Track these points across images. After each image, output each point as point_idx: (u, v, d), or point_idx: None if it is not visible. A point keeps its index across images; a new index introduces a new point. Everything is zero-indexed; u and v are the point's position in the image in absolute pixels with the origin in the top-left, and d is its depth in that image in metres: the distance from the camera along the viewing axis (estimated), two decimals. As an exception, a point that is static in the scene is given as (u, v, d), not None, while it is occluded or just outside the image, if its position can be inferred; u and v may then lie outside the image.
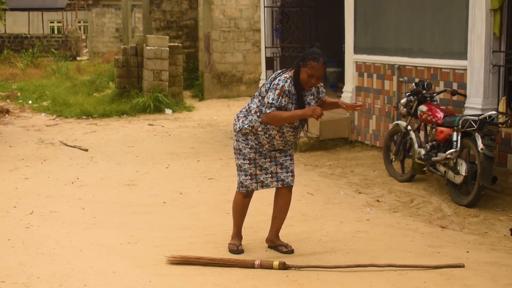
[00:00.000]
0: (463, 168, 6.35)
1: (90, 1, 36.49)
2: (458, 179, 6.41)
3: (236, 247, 5.06)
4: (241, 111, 4.96)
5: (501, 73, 6.89)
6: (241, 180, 4.97)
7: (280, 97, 4.69)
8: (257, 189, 4.99)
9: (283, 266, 4.61)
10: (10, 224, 5.90)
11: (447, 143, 6.66)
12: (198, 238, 5.48)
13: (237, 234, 5.19)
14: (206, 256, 4.81)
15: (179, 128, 12.10)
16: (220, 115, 13.90)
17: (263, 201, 6.69)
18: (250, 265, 4.66)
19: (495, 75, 6.87)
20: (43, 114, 14.04)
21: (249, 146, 4.90)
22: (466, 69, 7.13)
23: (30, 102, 15.80)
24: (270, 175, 4.94)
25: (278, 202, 5.06)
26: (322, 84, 5.06)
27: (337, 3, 10.19)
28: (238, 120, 4.93)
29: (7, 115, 13.56)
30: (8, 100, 16.26)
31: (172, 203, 6.74)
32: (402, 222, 5.93)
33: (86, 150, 9.76)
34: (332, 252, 5.04)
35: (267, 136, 4.84)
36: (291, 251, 5.00)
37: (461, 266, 4.62)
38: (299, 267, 4.62)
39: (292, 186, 5.03)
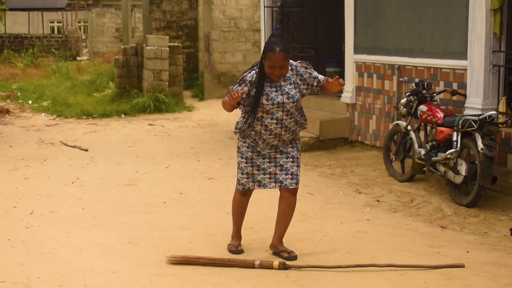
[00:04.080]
0: (463, 168, 6.35)
1: (90, 1, 36.51)
2: (458, 179, 6.41)
3: (235, 248, 5.04)
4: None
5: (501, 73, 6.89)
6: (238, 177, 4.98)
7: (237, 85, 4.70)
8: (253, 188, 4.94)
9: (283, 266, 4.61)
10: (10, 224, 5.90)
11: (447, 143, 6.66)
12: (198, 238, 5.48)
13: (237, 233, 5.16)
14: (206, 256, 4.81)
15: (179, 128, 12.10)
16: (220, 115, 13.89)
17: (263, 201, 6.69)
18: (250, 265, 4.66)
19: (495, 75, 6.87)
20: (43, 114, 14.04)
21: (247, 145, 4.88)
22: (466, 69, 7.13)
23: (30, 102, 15.80)
24: (268, 176, 4.87)
25: (280, 206, 4.96)
26: (310, 69, 4.79)
27: (337, 3, 10.19)
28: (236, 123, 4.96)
29: (7, 115, 13.55)
30: (8, 100, 16.26)
31: (172, 203, 6.74)
32: (402, 222, 5.93)
33: (86, 150, 9.76)
34: (332, 252, 5.04)
35: (254, 133, 4.79)
36: (293, 258, 4.84)
37: (461, 266, 4.61)
38: (299, 267, 4.62)
39: (295, 189, 4.88)
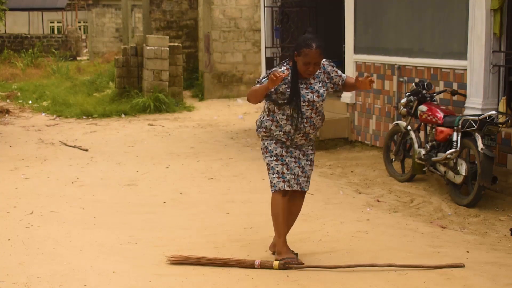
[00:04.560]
0: (463, 168, 6.35)
1: (90, 1, 36.48)
2: (458, 179, 6.41)
3: (295, 259, 4.68)
4: (260, 113, 4.86)
5: (501, 73, 6.89)
6: (270, 179, 4.77)
7: (267, 78, 4.54)
8: (284, 188, 4.73)
9: (283, 266, 4.61)
10: (10, 224, 5.90)
11: (447, 143, 6.66)
12: (198, 238, 5.48)
13: (285, 244, 4.78)
14: (206, 256, 4.81)
15: (179, 128, 12.10)
16: (220, 115, 13.90)
17: (263, 201, 6.69)
18: (250, 265, 4.66)
19: (495, 75, 6.87)
20: (43, 114, 14.04)
21: (274, 142, 4.74)
22: (466, 69, 7.13)
23: (30, 102, 15.80)
24: (293, 176, 4.76)
25: (291, 208, 4.87)
26: (335, 68, 4.82)
27: (337, 3, 10.19)
28: (256, 125, 4.84)
29: (7, 115, 13.56)
30: (8, 100, 16.26)
31: (172, 203, 6.74)
32: (402, 222, 5.93)
33: (86, 150, 9.76)
34: (332, 252, 5.04)
35: (283, 133, 4.68)
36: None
37: (461, 266, 4.61)
38: (299, 267, 4.62)
39: (305, 192, 4.90)
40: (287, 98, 4.61)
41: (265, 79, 4.60)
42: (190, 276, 4.55)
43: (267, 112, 4.73)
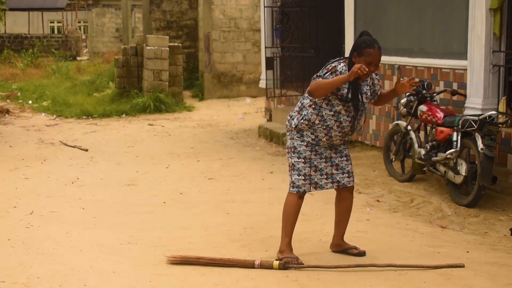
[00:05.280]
0: (463, 168, 6.35)
1: (90, 1, 36.51)
2: (458, 179, 6.41)
3: (295, 261, 4.68)
4: (294, 110, 4.81)
5: (501, 73, 6.89)
6: (293, 179, 4.75)
7: (328, 72, 4.58)
8: (309, 191, 4.77)
9: (283, 266, 4.60)
10: (10, 224, 5.90)
11: (447, 143, 6.66)
12: (198, 238, 5.48)
13: (289, 245, 4.79)
14: (206, 256, 4.80)
15: (179, 128, 12.10)
16: (220, 115, 13.90)
17: (263, 201, 6.70)
18: (250, 265, 4.66)
19: (495, 75, 6.87)
20: (43, 114, 14.04)
21: (305, 144, 4.71)
22: (466, 69, 7.13)
23: (30, 102, 15.80)
24: (325, 176, 4.75)
25: (340, 206, 4.94)
26: (378, 76, 4.90)
27: (337, 3, 10.19)
28: (292, 118, 4.77)
29: (7, 115, 13.56)
30: (8, 100, 16.27)
31: (172, 203, 6.74)
32: (402, 222, 5.93)
33: (86, 150, 9.76)
34: (332, 252, 5.04)
35: (324, 127, 4.65)
36: (363, 253, 4.92)
37: (461, 266, 4.61)
38: (299, 268, 4.62)
39: (351, 187, 4.89)
40: (345, 95, 4.60)
41: (327, 74, 4.59)
42: (190, 276, 4.55)
43: (314, 106, 4.66)
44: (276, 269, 4.59)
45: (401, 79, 8.29)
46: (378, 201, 6.72)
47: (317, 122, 4.66)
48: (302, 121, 4.71)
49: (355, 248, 4.97)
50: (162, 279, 4.51)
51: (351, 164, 4.89)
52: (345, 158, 4.83)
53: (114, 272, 4.66)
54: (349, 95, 4.61)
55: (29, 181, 7.70)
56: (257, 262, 4.65)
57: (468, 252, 5.03)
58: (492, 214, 6.12)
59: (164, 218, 6.16)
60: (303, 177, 4.73)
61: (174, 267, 4.72)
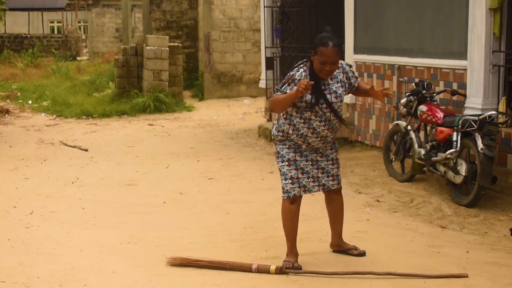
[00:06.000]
0: (463, 168, 6.35)
1: (90, 1, 36.50)
2: (458, 179, 6.41)
3: (291, 264, 4.63)
4: (275, 118, 4.75)
5: (501, 73, 6.89)
6: (282, 185, 4.66)
7: (286, 85, 4.45)
8: (299, 194, 4.66)
9: (280, 271, 4.57)
10: (10, 224, 5.90)
11: (447, 143, 6.66)
12: (198, 238, 5.48)
13: (292, 249, 4.74)
14: (205, 259, 4.77)
15: (179, 128, 12.10)
16: (220, 115, 13.90)
17: (263, 201, 6.70)
18: (247, 269, 4.63)
19: (495, 75, 6.87)
20: (43, 114, 14.04)
21: (287, 147, 4.62)
22: (466, 69, 7.13)
23: (30, 102, 15.80)
24: (312, 179, 4.66)
25: (331, 208, 4.93)
26: (352, 68, 4.72)
27: (337, 3, 10.19)
28: (273, 128, 4.73)
29: (7, 115, 13.56)
30: (8, 100, 16.26)
31: (172, 203, 6.74)
32: (402, 222, 5.93)
33: (86, 150, 9.76)
34: (332, 252, 5.04)
35: (299, 136, 4.56)
36: (363, 253, 4.89)
37: (464, 276, 4.43)
38: (296, 272, 4.57)
39: (338, 188, 4.84)
40: (309, 101, 4.47)
41: (285, 87, 4.46)
42: (190, 276, 4.55)
43: (285, 116, 4.58)
44: (273, 273, 4.56)
45: (401, 79, 8.34)
46: (378, 201, 6.72)
47: (290, 132, 4.57)
48: (277, 133, 4.65)
49: (355, 248, 4.95)
50: (162, 279, 4.51)
51: (337, 168, 4.79)
52: (331, 162, 4.74)
53: (114, 272, 4.66)
54: (313, 100, 4.46)
55: (29, 181, 7.70)
56: (254, 266, 4.61)
57: (468, 252, 5.03)
58: (492, 214, 6.12)
59: (164, 218, 6.16)
60: (290, 181, 4.62)
61: (174, 267, 4.72)
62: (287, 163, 4.62)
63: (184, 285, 4.41)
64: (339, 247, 4.98)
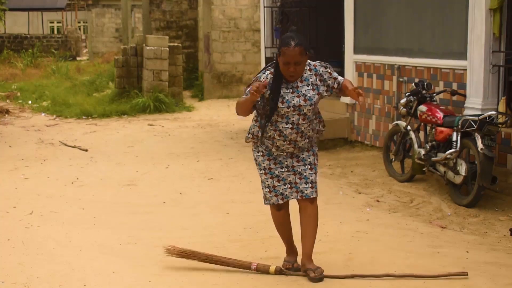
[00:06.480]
0: (463, 168, 6.35)
1: (90, 1, 36.47)
2: (458, 179, 6.41)
3: (291, 265, 4.59)
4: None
5: (501, 73, 6.89)
6: (264, 192, 4.57)
7: (250, 87, 4.24)
8: (277, 202, 4.52)
9: (280, 272, 4.57)
10: (10, 224, 5.90)
11: (447, 143, 6.66)
12: (198, 238, 5.48)
13: (289, 249, 4.70)
14: (203, 252, 4.76)
15: (179, 128, 12.10)
16: (220, 115, 13.89)
17: (263, 201, 6.68)
18: (246, 267, 4.63)
19: (495, 75, 6.87)
20: (43, 114, 14.04)
21: (261, 154, 4.49)
22: (466, 69, 7.13)
23: (30, 102, 15.80)
24: (289, 186, 4.49)
25: (302, 218, 4.55)
26: (330, 69, 4.46)
27: (337, 3, 10.19)
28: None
29: (7, 115, 13.55)
30: (8, 100, 16.26)
31: (172, 203, 6.74)
32: (402, 222, 5.93)
33: (86, 150, 9.76)
34: (332, 252, 5.04)
35: (267, 138, 4.42)
36: (318, 279, 4.37)
37: (464, 274, 4.43)
38: (295, 274, 4.56)
39: (313, 198, 4.52)
40: (271, 104, 4.30)
41: (249, 89, 4.30)
42: (190, 276, 4.55)
43: (255, 118, 4.48)
44: (272, 273, 4.55)
45: (401, 79, 8.33)
46: (378, 201, 6.72)
47: (260, 134, 4.44)
48: (247, 135, 4.54)
49: (313, 270, 4.42)
50: (162, 279, 4.51)
51: (315, 173, 4.54)
52: (308, 167, 4.50)
53: (114, 272, 4.65)
54: (271, 102, 4.28)
55: (29, 181, 7.70)
56: (253, 266, 4.60)
57: (468, 252, 5.03)
58: (492, 214, 6.12)
59: (164, 218, 6.16)
60: (268, 189, 4.51)
61: (174, 267, 4.72)
62: (263, 171, 4.51)
63: (184, 285, 4.41)
64: (303, 266, 4.53)
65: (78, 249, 5.19)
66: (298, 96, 4.33)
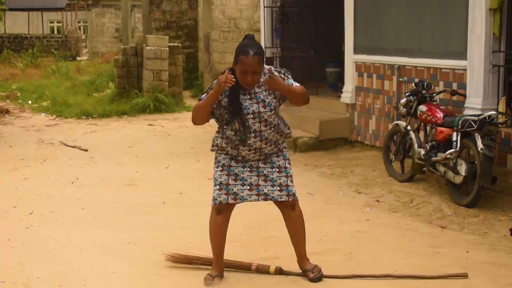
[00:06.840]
0: (462, 168, 6.35)
1: (90, 1, 36.48)
2: (458, 179, 6.41)
3: (212, 279, 4.40)
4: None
5: (501, 73, 6.89)
6: (213, 191, 4.37)
7: (205, 94, 4.19)
8: (226, 201, 4.32)
9: (279, 272, 4.57)
10: (10, 224, 5.90)
11: (447, 143, 6.66)
12: (198, 238, 5.47)
13: (217, 262, 4.48)
14: (204, 256, 4.78)
15: (179, 128, 12.10)
16: (220, 115, 13.88)
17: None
18: (247, 268, 4.63)
19: (495, 75, 6.87)
20: (43, 114, 14.04)
21: (225, 152, 4.37)
22: (466, 69, 7.13)
23: (30, 102, 15.80)
24: (248, 187, 4.30)
25: (287, 224, 4.49)
26: (285, 75, 4.33)
27: (337, 3, 10.20)
28: None
29: (7, 115, 13.55)
30: (8, 100, 16.26)
31: (172, 203, 6.74)
32: (402, 222, 5.93)
33: (86, 150, 9.76)
34: (331, 252, 5.04)
35: (233, 148, 4.29)
36: (318, 278, 4.38)
37: (464, 275, 4.42)
38: (296, 274, 4.55)
39: (292, 202, 4.38)
40: (229, 112, 4.19)
41: (204, 95, 4.20)
42: (190, 276, 4.55)
43: (217, 129, 4.35)
44: (272, 273, 4.56)
45: (401, 79, 8.34)
46: (378, 201, 6.72)
47: (224, 145, 4.32)
48: (211, 147, 4.41)
49: (311, 271, 4.43)
50: (162, 279, 4.51)
51: (286, 177, 4.36)
52: (277, 170, 4.34)
53: (114, 272, 4.66)
54: (230, 109, 4.17)
55: (29, 181, 7.70)
56: (253, 267, 4.61)
57: (468, 252, 5.03)
58: (492, 214, 6.12)
59: (164, 218, 6.16)
60: (218, 187, 4.31)
61: (174, 267, 4.72)
62: (221, 168, 4.34)
63: (184, 285, 4.41)
64: (300, 267, 4.53)
65: (78, 249, 5.19)
66: (257, 103, 4.21)
